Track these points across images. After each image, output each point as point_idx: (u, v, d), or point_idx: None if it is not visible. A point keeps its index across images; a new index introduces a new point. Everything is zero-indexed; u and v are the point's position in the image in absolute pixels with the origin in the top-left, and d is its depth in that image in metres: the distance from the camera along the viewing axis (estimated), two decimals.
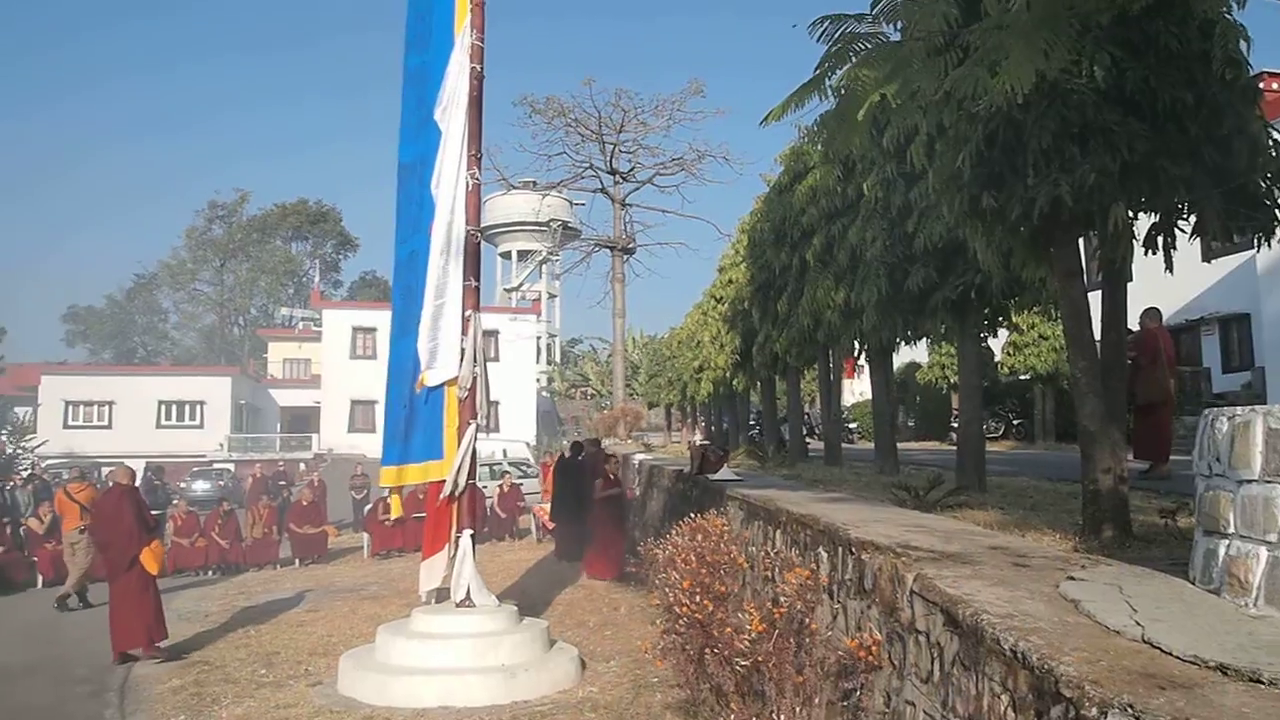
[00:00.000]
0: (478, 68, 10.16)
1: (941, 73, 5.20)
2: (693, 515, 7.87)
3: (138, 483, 13.09)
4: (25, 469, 31.28)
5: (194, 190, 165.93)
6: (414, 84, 10.85)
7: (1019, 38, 4.59)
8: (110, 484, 12.43)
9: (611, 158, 36.32)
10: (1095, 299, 6.79)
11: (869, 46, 4.80)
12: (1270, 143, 6.58)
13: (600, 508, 15.56)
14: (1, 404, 42.72)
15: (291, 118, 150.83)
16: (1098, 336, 6.82)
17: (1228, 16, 6.39)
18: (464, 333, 9.71)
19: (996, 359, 26.29)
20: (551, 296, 75.80)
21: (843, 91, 4.91)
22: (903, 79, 4.62)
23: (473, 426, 9.67)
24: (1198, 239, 6.83)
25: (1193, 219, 6.60)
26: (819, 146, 12.26)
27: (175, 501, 25.49)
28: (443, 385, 9.75)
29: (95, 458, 45.56)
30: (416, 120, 10.83)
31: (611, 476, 16.01)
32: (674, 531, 7.54)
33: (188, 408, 57.16)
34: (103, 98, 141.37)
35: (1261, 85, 7.37)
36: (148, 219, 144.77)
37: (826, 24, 4.81)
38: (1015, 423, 26.54)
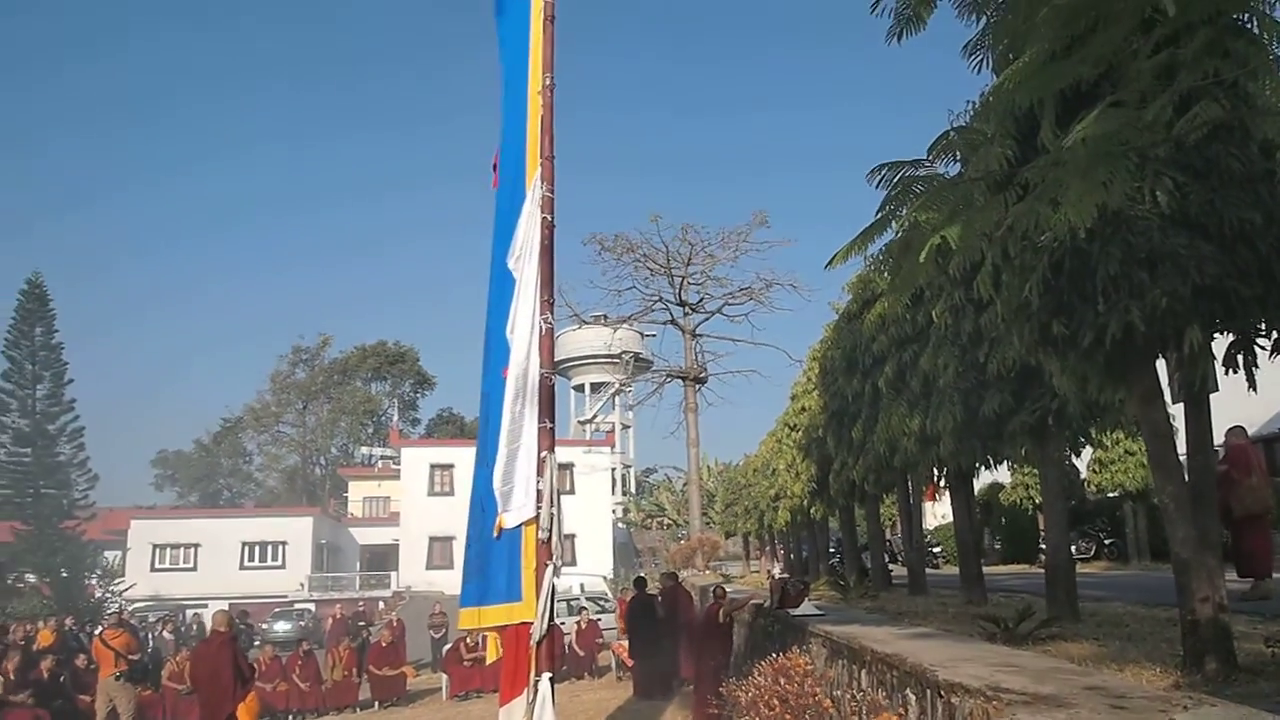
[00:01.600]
0: (548, 218, 10.54)
1: (1002, 209, 5.28)
2: (775, 654, 7.72)
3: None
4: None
5: (279, 335, 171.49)
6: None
7: (1076, 174, 4.66)
8: (209, 632, 12.62)
9: (680, 290, 36.89)
10: (1179, 410, 6.67)
11: (927, 189, 4.91)
12: None
13: (702, 649, 14.11)
14: (92, 548, 43.74)
15: (372, 266, 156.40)
16: (1183, 456, 6.66)
17: None
18: (540, 474, 9.81)
19: (1083, 476, 25.58)
20: (625, 427, 76.08)
21: (905, 232, 5.01)
22: (963, 221, 4.70)
23: (550, 568, 9.68)
24: None
25: (1274, 335, 6.50)
26: (885, 274, 12.35)
27: (258, 644, 25.65)
28: (520, 526, 9.82)
29: (181, 600, 46.25)
30: (497, 267, 11.22)
31: (723, 620, 14.29)
32: (756, 671, 7.39)
33: (270, 548, 57.90)
34: (191, 248, 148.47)
35: None
36: (236, 363, 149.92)
37: (885, 170, 4.95)
38: (1107, 542, 25.63)
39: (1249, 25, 5.46)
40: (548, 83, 10.71)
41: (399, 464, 60.81)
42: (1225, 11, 5.02)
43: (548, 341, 10.32)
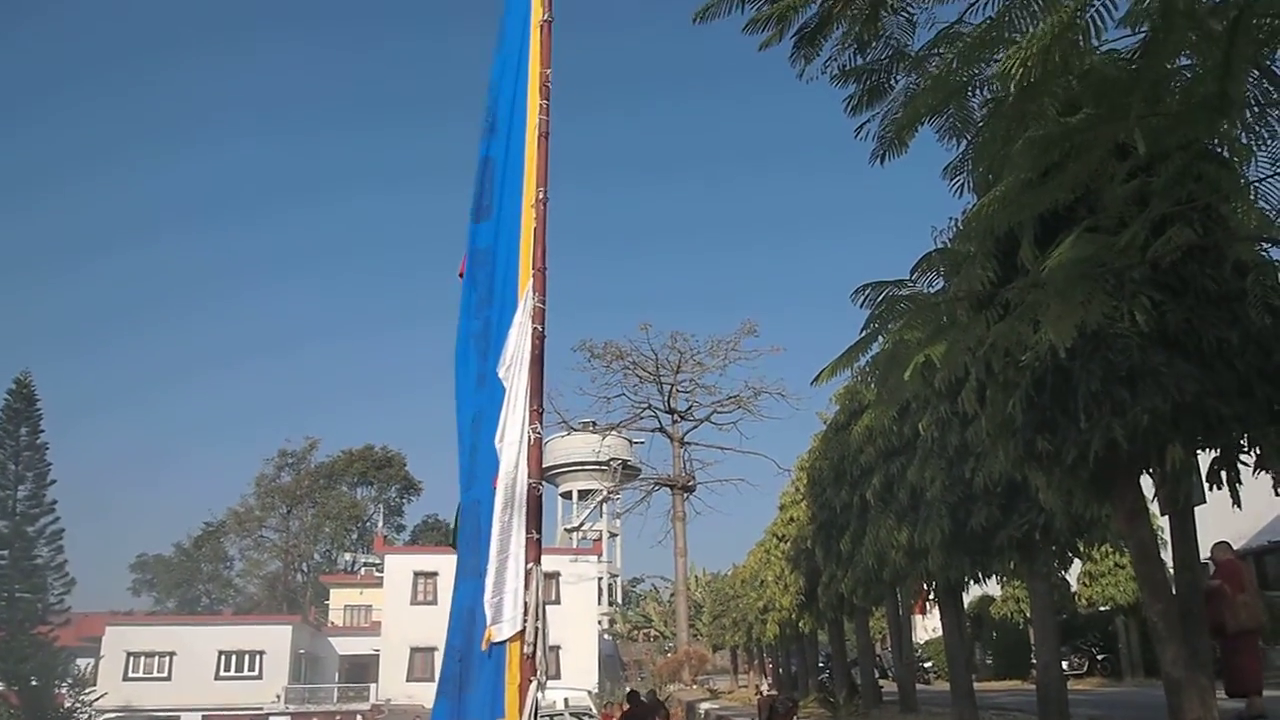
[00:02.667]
0: (539, 328, 10.67)
1: (984, 327, 5.39)
2: None
3: None
4: None
5: (265, 430, 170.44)
6: (478, 341, 11.38)
7: (1055, 295, 4.78)
8: None
9: (669, 397, 37.09)
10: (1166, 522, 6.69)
11: (911, 307, 5.02)
12: None
13: None
14: (64, 655, 42.63)
15: (363, 366, 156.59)
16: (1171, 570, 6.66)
17: (1263, 254, 6.57)
18: (526, 586, 9.71)
19: (1074, 590, 25.33)
20: (613, 535, 75.31)
21: (891, 347, 5.11)
22: (947, 339, 4.80)
23: (534, 684, 9.49)
24: None
25: (1256, 451, 6.57)
26: (872, 386, 12.47)
27: None
28: (505, 641, 9.66)
29: (153, 711, 44.87)
30: (478, 374, 11.27)
31: None
32: None
33: (247, 658, 56.47)
34: (178, 325, 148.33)
35: None
36: (219, 465, 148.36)
37: (868, 290, 5.07)
38: (1100, 658, 25.23)
39: (1220, 150, 5.65)
40: (541, 196, 10.96)
41: (382, 571, 59.88)
42: (1196, 140, 5.23)
43: (536, 451, 10.29)
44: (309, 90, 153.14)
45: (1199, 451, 6.56)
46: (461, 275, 11.81)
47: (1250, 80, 4.92)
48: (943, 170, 6.41)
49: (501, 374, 10.81)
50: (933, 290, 5.83)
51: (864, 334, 5.13)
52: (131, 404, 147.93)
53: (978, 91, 5.71)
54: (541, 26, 11.14)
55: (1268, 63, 5.04)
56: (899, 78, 6.08)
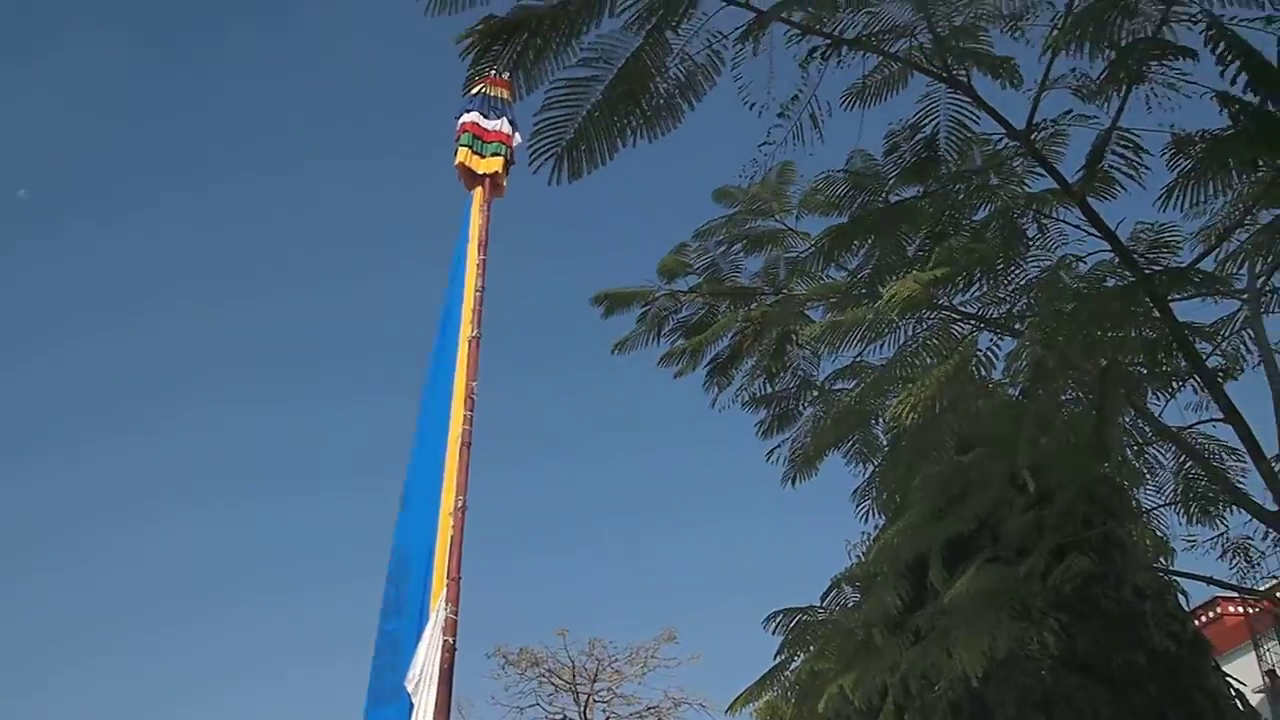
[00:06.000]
0: (450, 640, 10.34)
1: (898, 653, 5.41)
2: None
3: None
4: None
5: None
6: (388, 653, 10.93)
7: (964, 622, 4.87)
8: None
9: (585, 708, 35.31)
10: None
11: (824, 633, 5.05)
12: (1232, 693, 6.68)
13: None
14: None
15: None
16: None
17: (1162, 577, 6.80)
18: None
19: None
20: None
21: (800, 682, 5.08)
22: (859, 668, 4.81)
23: None
24: None
25: None
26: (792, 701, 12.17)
27: None
28: None
29: None
30: (390, 685, 10.76)
31: None
32: None
33: None
34: None
35: (1219, 610, 7.63)
36: None
37: (780, 617, 5.11)
38: None
39: (1114, 477, 5.97)
40: (460, 504, 10.93)
41: None
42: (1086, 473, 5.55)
43: None
44: None
45: None
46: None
47: (1128, 420, 5.32)
48: (851, 494, 6.65)
49: (409, 687, 10.32)
50: (847, 606, 5.88)
51: (777, 661, 5.12)
52: None
53: (880, 420, 6.06)
54: (470, 342, 11.62)
55: (1143, 401, 5.47)
56: (806, 406, 6.44)
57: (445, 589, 10.56)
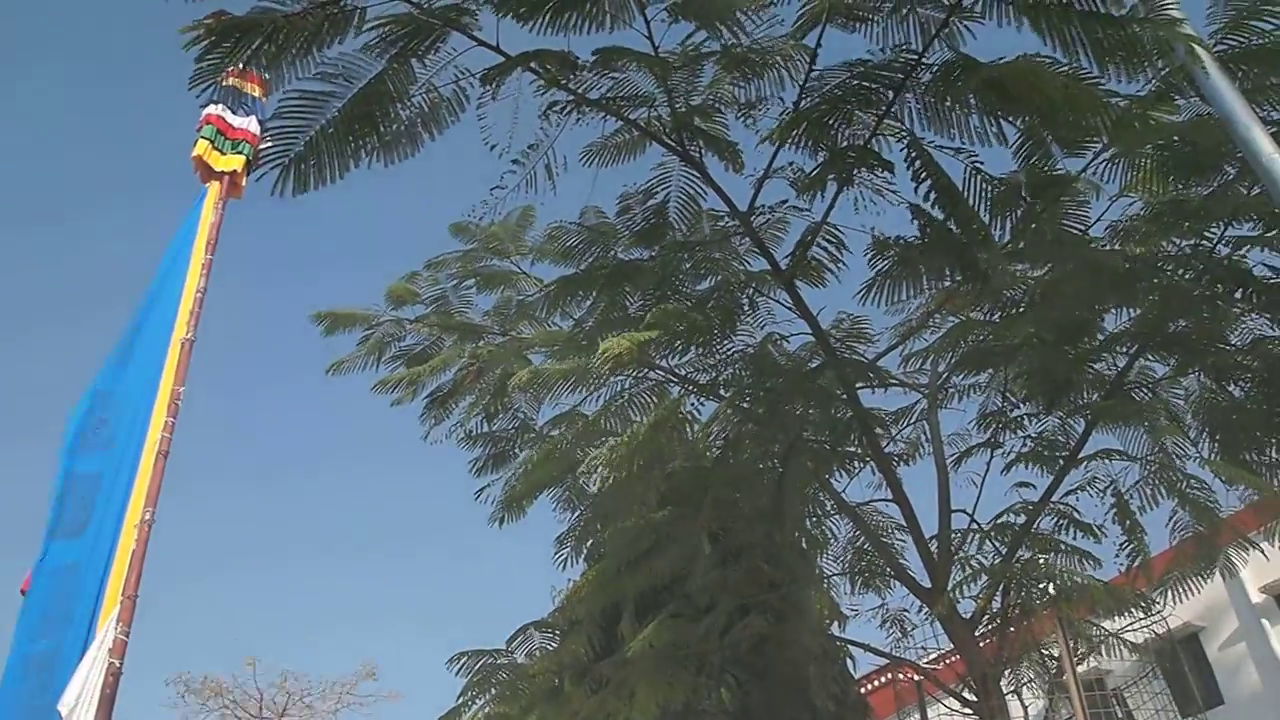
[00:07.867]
0: (117, 663, 9.56)
1: (582, 699, 5.49)
2: None
3: None
4: None
5: None
6: (37, 671, 9.95)
7: (644, 673, 5.02)
8: None
9: None
10: None
11: (509, 677, 5.06)
12: None
13: None
14: None
15: None
16: None
17: (831, 640, 7.25)
18: None
19: None
20: None
21: None
22: (542, 713, 4.85)
23: None
24: None
25: None
26: None
27: None
28: None
29: None
30: (29, 708, 9.78)
31: None
32: None
33: None
34: None
35: (890, 675, 8.21)
36: None
37: (465, 658, 5.09)
38: None
39: (799, 542, 6.35)
40: (148, 517, 10.18)
41: None
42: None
43: None
44: None
45: None
46: (23, 592, 10.48)
47: (812, 491, 5.71)
48: (555, 539, 6.74)
49: (64, 713, 9.41)
50: (534, 651, 5.93)
51: (458, 703, 5.08)
52: None
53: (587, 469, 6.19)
54: (183, 344, 10.91)
55: (827, 476, 5.88)
56: (522, 448, 6.48)
57: (119, 607, 9.76)
